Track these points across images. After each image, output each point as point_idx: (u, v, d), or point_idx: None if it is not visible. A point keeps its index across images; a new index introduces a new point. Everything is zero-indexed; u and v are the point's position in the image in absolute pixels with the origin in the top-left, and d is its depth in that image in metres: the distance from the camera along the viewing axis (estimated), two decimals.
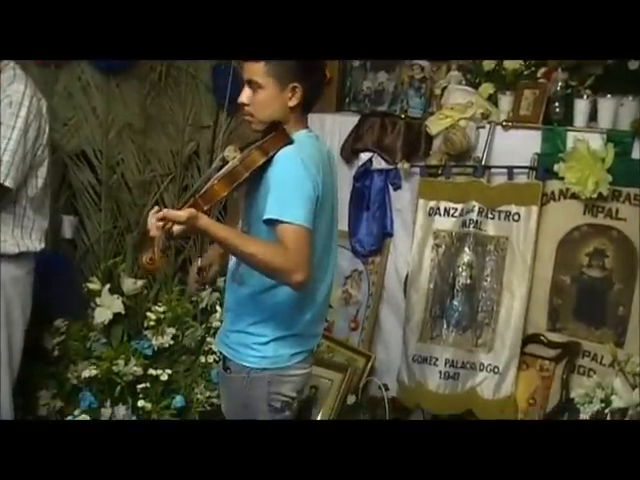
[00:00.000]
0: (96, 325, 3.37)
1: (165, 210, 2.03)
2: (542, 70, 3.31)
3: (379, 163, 3.60)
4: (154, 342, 3.31)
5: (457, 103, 3.35)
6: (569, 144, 3.10)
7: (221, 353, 2.35)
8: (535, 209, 3.14)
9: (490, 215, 3.25)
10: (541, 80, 3.30)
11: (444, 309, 3.32)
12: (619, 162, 2.97)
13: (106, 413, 3.23)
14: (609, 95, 3.09)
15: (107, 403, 3.24)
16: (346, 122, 3.71)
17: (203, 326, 3.47)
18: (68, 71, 3.79)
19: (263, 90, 2.13)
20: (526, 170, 3.22)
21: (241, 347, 2.24)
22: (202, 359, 3.39)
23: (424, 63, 3.62)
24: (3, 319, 2.86)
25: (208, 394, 3.33)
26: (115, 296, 3.37)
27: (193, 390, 3.35)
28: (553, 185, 3.14)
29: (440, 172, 3.40)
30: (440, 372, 3.27)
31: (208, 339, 3.40)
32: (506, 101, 3.37)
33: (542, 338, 3.15)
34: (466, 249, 3.29)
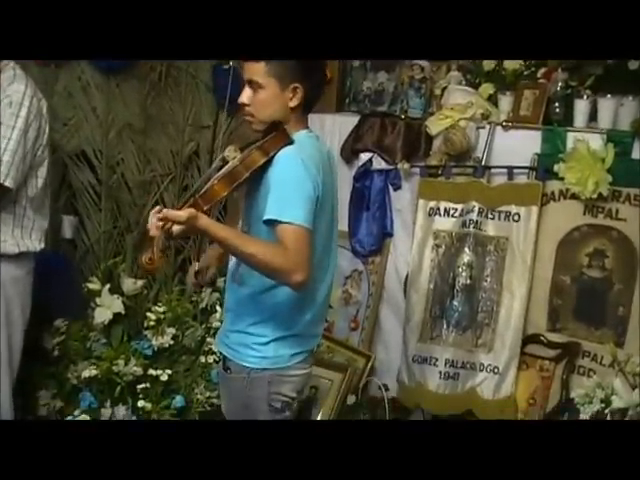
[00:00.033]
0: (96, 325, 3.37)
1: (165, 210, 2.03)
2: (542, 70, 3.31)
3: (379, 163, 3.60)
4: (154, 342, 3.32)
5: (457, 103, 3.34)
6: (569, 144, 3.09)
7: (221, 353, 2.35)
8: (535, 209, 3.14)
9: (490, 215, 3.25)
10: (541, 80, 3.30)
11: (444, 309, 3.32)
12: (619, 162, 2.97)
13: (106, 413, 3.23)
14: (609, 95, 3.09)
15: (107, 403, 3.24)
16: (346, 122, 3.71)
17: (203, 326, 3.47)
18: (68, 71, 3.79)
19: (264, 90, 2.13)
20: (526, 170, 3.22)
21: (241, 347, 2.24)
22: (202, 359, 3.39)
23: (424, 63, 3.62)
24: (3, 319, 2.86)
25: (208, 394, 3.34)
26: (115, 296, 3.37)
27: (193, 390, 3.35)
28: (553, 185, 3.14)
29: (440, 172, 3.40)
30: (440, 372, 3.27)
31: (208, 339, 3.40)
32: (506, 101, 3.37)
33: (542, 338, 3.15)
34: (466, 249, 3.29)
